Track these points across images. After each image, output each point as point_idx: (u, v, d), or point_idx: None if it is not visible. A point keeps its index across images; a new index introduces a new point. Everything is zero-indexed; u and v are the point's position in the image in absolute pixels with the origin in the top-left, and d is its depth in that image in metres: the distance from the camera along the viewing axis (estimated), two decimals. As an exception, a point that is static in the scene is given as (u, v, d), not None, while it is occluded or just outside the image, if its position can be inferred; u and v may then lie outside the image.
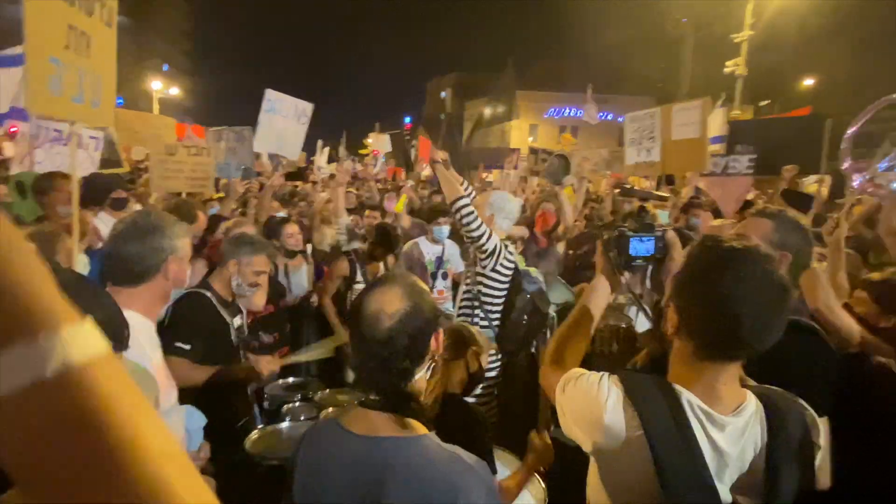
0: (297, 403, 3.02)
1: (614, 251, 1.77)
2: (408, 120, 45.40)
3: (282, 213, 5.36)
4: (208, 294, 2.72)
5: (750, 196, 6.57)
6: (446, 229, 4.88)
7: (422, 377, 1.38)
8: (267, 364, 2.68)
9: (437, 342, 1.39)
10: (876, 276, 2.53)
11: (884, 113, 4.98)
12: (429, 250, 4.89)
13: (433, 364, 1.40)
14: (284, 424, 2.72)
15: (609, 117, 35.62)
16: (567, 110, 41.00)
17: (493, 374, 3.24)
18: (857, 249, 3.90)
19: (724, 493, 1.28)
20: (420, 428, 1.33)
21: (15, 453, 0.40)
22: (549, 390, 1.59)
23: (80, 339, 0.42)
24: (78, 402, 0.41)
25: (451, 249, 4.97)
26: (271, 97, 6.12)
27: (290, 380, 3.34)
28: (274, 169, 7.04)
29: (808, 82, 24.00)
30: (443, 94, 52.02)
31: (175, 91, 39.21)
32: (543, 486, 2.30)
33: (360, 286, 4.39)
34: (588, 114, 13.29)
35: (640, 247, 1.78)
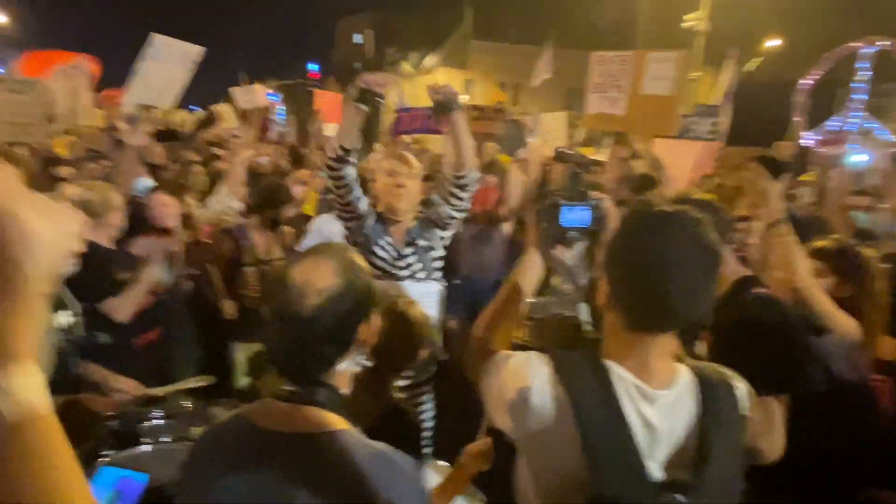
0: (160, 421, 2.82)
1: (545, 222, 1.87)
2: (314, 68, 43.96)
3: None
4: None
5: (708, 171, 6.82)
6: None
7: (346, 370, 1.44)
8: (131, 387, 2.68)
9: (369, 331, 1.44)
10: (825, 243, 2.83)
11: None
12: (337, 228, 4.71)
13: (362, 356, 1.48)
14: (143, 448, 2.58)
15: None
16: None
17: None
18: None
19: (656, 469, 1.39)
20: (339, 422, 1.37)
21: None
22: (476, 376, 1.69)
23: (27, 391, 0.48)
24: (11, 459, 0.45)
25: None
26: (156, 42, 5.97)
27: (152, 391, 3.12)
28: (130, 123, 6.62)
29: (774, 42, 25.30)
30: (356, 37, 50.97)
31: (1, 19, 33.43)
32: (483, 497, 2.37)
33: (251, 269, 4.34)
34: (538, 72, 13.35)
35: (573, 217, 1.87)
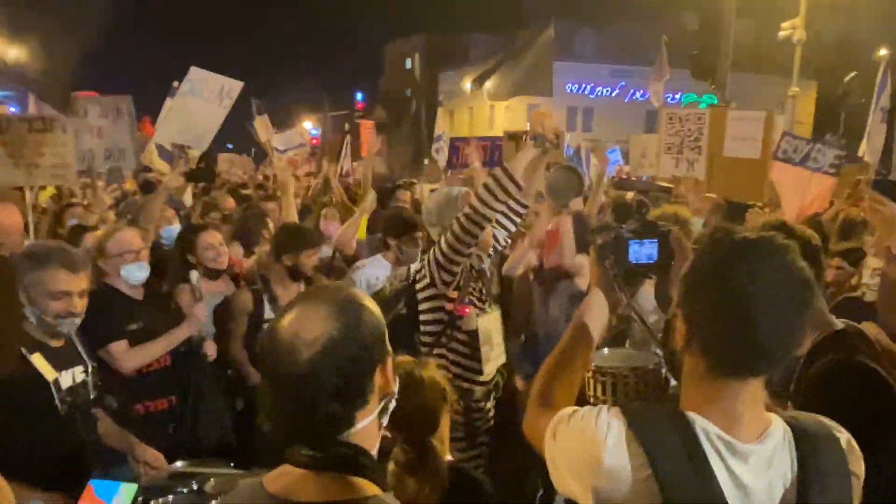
0: (182, 492, 2.87)
1: (610, 258, 1.89)
2: (359, 97, 45.35)
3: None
4: (22, 350, 2.65)
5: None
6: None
7: (370, 423, 1.40)
8: (154, 459, 2.74)
9: (387, 377, 1.42)
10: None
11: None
12: (383, 273, 4.77)
13: (386, 404, 1.44)
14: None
15: (639, 96, 35.85)
16: (582, 87, 41.44)
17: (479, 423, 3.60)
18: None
19: None
20: (367, 487, 1.33)
21: None
22: (535, 439, 1.67)
23: None
24: None
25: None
26: (194, 76, 6.14)
27: (178, 464, 3.18)
28: (174, 162, 6.85)
29: (884, 52, 24.58)
30: (408, 62, 52.15)
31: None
32: None
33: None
34: (654, 92, 13.01)
35: (641, 251, 1.89)
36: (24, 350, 2.65)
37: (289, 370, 1.30)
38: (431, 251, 3.64)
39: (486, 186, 3.38)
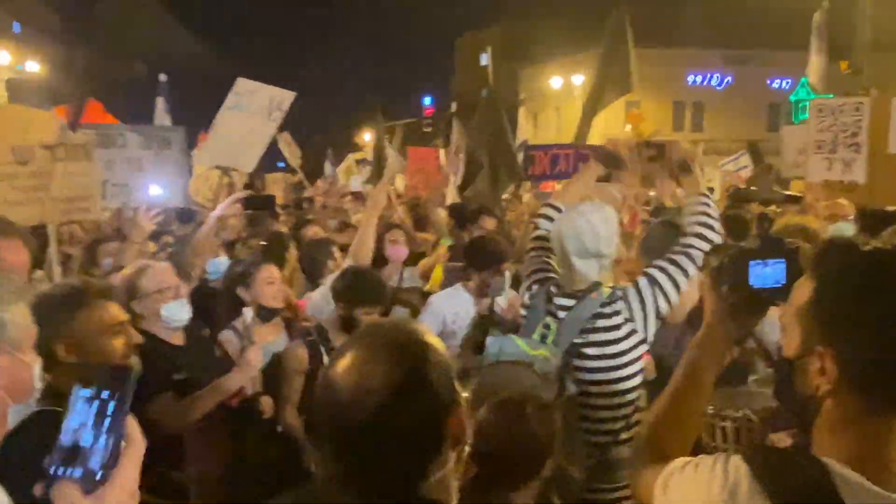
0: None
1: (728, 283, 1.84)
2: (427, 102, 45.21)
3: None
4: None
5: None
6: (508, 278, 4.79)
7: (446, 475, 1.41)
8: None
9: (460, 423, 1.42)
10: None
11: None
12: (463, 307, 4.71)
13: (461, 453, 1.46)
14: None
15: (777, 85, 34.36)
16: (692, 76, 40.42)
17: None
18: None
19: None
20: None
21: None
22: (643, 494, 1.68)
23: None
24: None
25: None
26: (241, 89, 6.18)
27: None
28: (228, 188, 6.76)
29: None
30: (482, 57, 51.86)
31: (35, 67, 34.10)
32: None
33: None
34: (813, 73, 12.24)
35: (765, 274, 1.82)
36: None
37: (350, 423, 1.33)
38: (641, 293, 3.32)
39: (704, 215, 3.32)
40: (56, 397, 2.15)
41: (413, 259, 6.47)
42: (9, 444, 1.99)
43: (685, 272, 3.27)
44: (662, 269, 3.30)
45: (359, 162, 16.22)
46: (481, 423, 2.41)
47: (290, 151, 12.83)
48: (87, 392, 1.17)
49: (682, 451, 1.71)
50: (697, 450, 1.79)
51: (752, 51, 37.03)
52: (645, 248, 4.25)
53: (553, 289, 3.42)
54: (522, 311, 3.60)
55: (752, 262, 1.82)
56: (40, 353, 2.37)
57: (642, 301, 3.27)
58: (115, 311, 2.81)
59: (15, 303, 1.75)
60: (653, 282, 3.28)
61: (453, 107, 18.11)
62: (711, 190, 11.18)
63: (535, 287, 3.51)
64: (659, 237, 4.08)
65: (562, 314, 3.32)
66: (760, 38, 34.49)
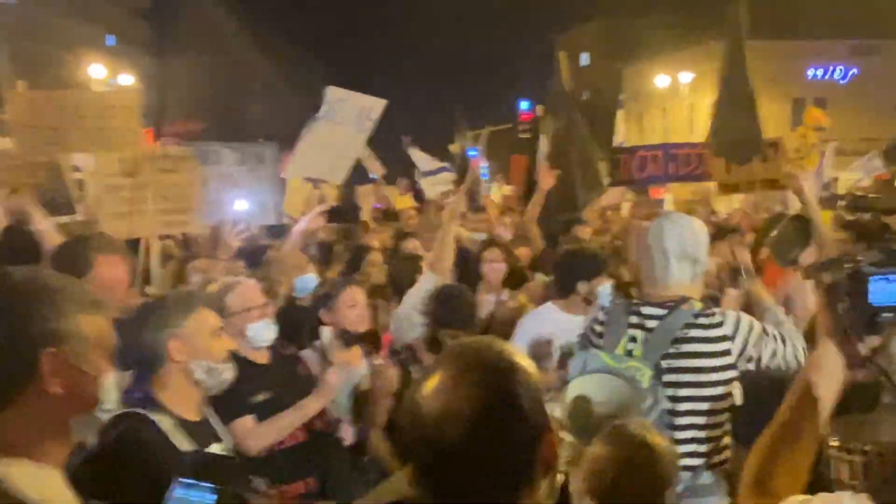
0: None
1: (845, 301, 1.78)
2: (524, 106, 44.81)
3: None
4: (154, 418, 2.73)
5: None
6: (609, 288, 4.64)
7: (538, 501, 1.41)
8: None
9: (551, 448, 1.42)
10: None
11: None
12: (563, 326, 4.53)
13: (552, 480, 1.47)
14: None
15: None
16: (812, 70, 39.12)
17: None
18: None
19: None
20: None
21: None
22: None
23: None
24: None
25: None
26: (331, 98, 6.26)
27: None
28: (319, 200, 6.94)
29: None
30: (583, 57, 51.37)
31: (129, 80, 34.72)
32: None
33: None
34: None
35: (888, 290, 1.77)
36: (162, 427, 2.74)
37: (437, 450, 1.33)
38: (752, 325, 3.33)
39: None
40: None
41: (514, 278, 6.29)
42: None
43: (785, 349, 3.29)
44: (773, 333, 3.34)
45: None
46: (596, 458, 2.38)
47: (371, 164, 12.94)
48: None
49: (793, 488, 1.67)
50: (815, 488, 1.73)
51: (880, 41, 35.58)
52: (775, 248, 4.31)
53: (634, 300, 3.42)
54: (596, 326, 3.57)
55: (872, 278, 1.78)
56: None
57: (748, 332, 3.27)
58: (216, 318, 3.04)
59: (82, 314, 1.76)
60: (764, 331, 3.31)
61: (537, 110, 17.91)
62: (841, 196, 10.63)
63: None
64: (790, 232, 4.12)
65: (650, 324, 3.31)
66: (890, 27, 33.09)
